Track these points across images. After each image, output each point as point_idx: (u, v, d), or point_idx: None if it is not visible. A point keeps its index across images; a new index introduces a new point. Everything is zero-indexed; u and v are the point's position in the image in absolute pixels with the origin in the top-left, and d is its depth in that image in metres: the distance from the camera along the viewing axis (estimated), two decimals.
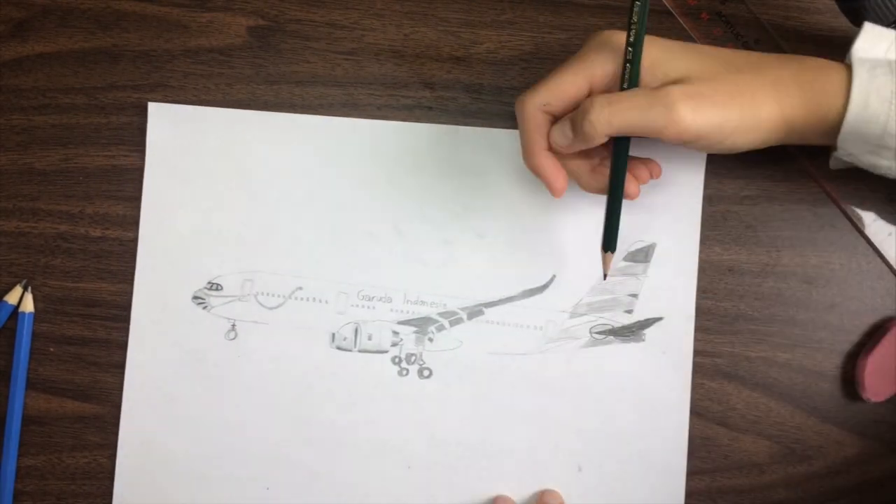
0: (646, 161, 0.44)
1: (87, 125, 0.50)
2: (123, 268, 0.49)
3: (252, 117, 0.49)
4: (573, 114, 0.41)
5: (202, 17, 0.50)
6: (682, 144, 0.40)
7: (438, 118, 0.49)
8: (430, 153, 0.49)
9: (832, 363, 0.48)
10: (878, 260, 0.48)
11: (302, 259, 0.49)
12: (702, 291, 0.48)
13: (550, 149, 0.42)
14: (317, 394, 0.48)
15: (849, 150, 0.41)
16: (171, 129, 0.49)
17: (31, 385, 0.49)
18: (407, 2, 0.49)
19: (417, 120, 0.49)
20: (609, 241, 0.43)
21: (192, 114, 0.49)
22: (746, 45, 0.48)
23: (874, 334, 0.47)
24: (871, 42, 0.41)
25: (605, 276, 0.44)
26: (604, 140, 0.40)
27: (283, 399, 0.48)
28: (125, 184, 0.49)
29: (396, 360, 0.48)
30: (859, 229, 0.48)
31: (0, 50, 0.50)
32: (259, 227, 0.49)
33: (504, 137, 0.48)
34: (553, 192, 0.42)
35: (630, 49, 0.40)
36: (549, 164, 0.42)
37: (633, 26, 0.39)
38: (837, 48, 0.48)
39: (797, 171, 0.48)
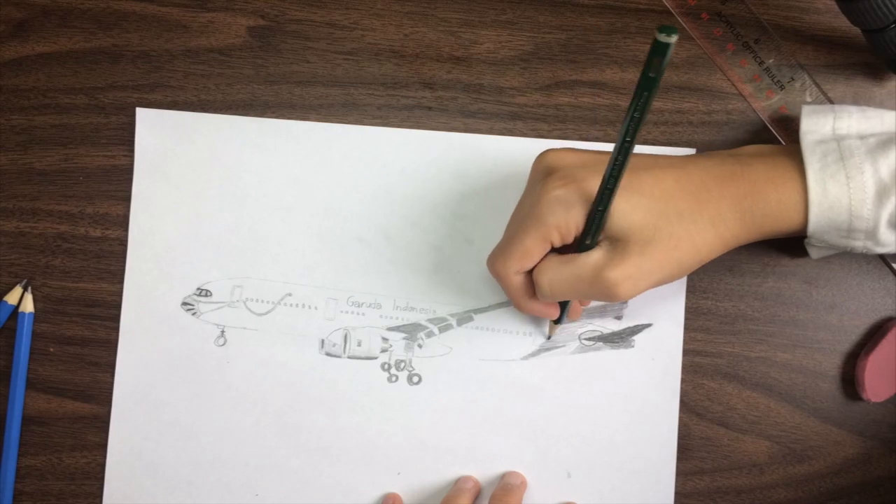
0: None
1: (87, 125, 0.50)
2: (123, 268, 0.49)
3: (241, 123, 0.49)
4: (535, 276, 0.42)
5: (202, 17, 0.50)
6: None
7: (438, 118, 0.49)
8: (419, 159, 0.49)
9: (832, 363, 0.48)
10: (878, 260, 0.48)
11: (291, 265, 0.49)
12: (702, 291, 0.48)
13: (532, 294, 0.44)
14: (306, 400, 0.48)
15: (823, 239, 0.41)
16: (160, 134, 0.49)
17: (31, 385, 0.49)
18: (407, 2, 0.49)
19: (417, 120, 0.49)
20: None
21: (180, 119, 0.49)
22: (746, 46, 0.48)
23: (874, 335, 0.47)
24: (815, 122, 0.41)
25: (548, 337, 0.48)
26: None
27: (272, 405, 0.48)
28: (125, 184, 0.49)
29: (386, 366, 0.48)
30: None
31: (0, 50, 0.50)
32: (248, 234, 0.49)
33: (493, 144, 0.48)
34: (551, 318, 0.46)
35: (598, 209, 0.39)
36: (537, 307, 0.44)
37: (604, 196, 0.38)
38: (837, 48, 0.48)
39: None
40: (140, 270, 0.49)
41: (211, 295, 0.49)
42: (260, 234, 0.49)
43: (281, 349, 0.49)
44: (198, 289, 0.49)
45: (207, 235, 0.49)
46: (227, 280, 0.49)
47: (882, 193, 0.39)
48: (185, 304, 0.49)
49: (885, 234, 0.40)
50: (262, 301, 0.49)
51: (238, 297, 0.49)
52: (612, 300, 0.40)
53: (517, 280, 0.43)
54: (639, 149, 0.48)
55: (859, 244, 0.41)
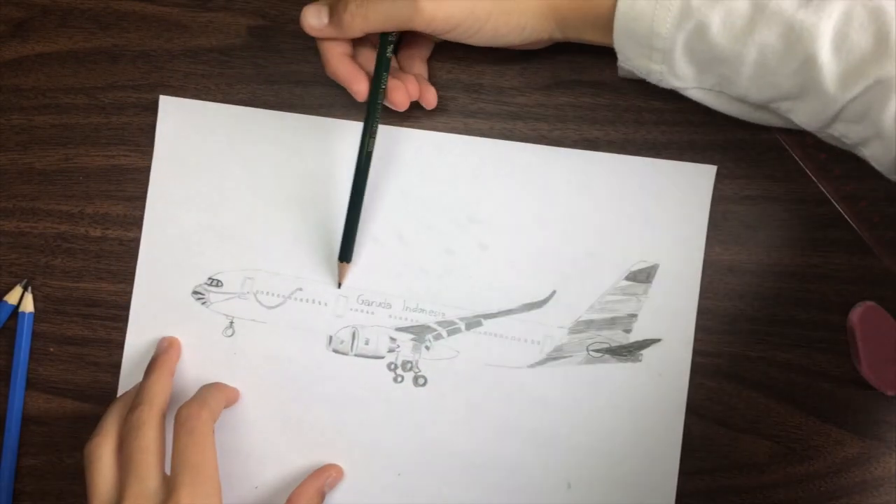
0: (418, 79, 0.46)
1: (87, 125, 0.50)
2: (124, 267, 0.49)
3: (261, 116, 0.49)
4: (333, 0, 0.42)
5: (202, 17, 0.50)
6: (442, 35, 0.42)
7: (438, 118, 0.49)
8: (436, 162, 0.49)
9: (832, 363, 0.48)
10: (878, 260, 0.48)
11: (303, 260, 0.49)
12: (702, 291, 0.48)
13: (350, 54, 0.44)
14: (310, 395, 0.48)
15: (625, 53, 0.41)
16: (181, 123, 0.49)
17: (31, 385, 0.49)
18: None
19: (417, 120, 0.49)
20: (345, 252, 0.46)
21: (201, 109, 0.49)
22: None
23: (850, 339, 0.47)
24: None
25: (339, 284, 0.48)
26: (360, 34, 0.43)
27: (276, 399, 0.48)
28: (125, 183, 0.49)
29: (392, 366, 0.48)
30: (859, 229, 0.48)
31: (0, 50, 0.50)
32: (263, 226, 0.49)
33: (511, 149, 0.48)
34: (355, 95, 0.45)
35: None
36: (345, 69, 0.44)
37: None
38: None
39: (797, 171, 0.48)
40: (153, 257, 0.49)
41: (222, 285, 0.49)
42: (274, 228, 0.49)
43: (288, 343, 0.49)
44: (209, 278, 0.49)
45: (222, 225, 0.49)
46: (239, 271, 0.49)
47: (685, 15, 0.38)
48: (195, 293, 0.49)
49: (680, 61, 0.40)
50: (273, 294, 0.49)
51: (249, 288, 0.49)
52: (417, 15, 0.40)
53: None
54: (650, 162, 0.48)
55: (657, 67, 0.40)
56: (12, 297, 0.49)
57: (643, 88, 0.48)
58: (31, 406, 0.49)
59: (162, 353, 0.47)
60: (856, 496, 0.47)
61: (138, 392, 0.44)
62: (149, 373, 0.46)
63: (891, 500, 0.47)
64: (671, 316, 0.48)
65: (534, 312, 0.48)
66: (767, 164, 0.48)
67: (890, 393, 0.47)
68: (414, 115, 0.49)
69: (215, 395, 0.45)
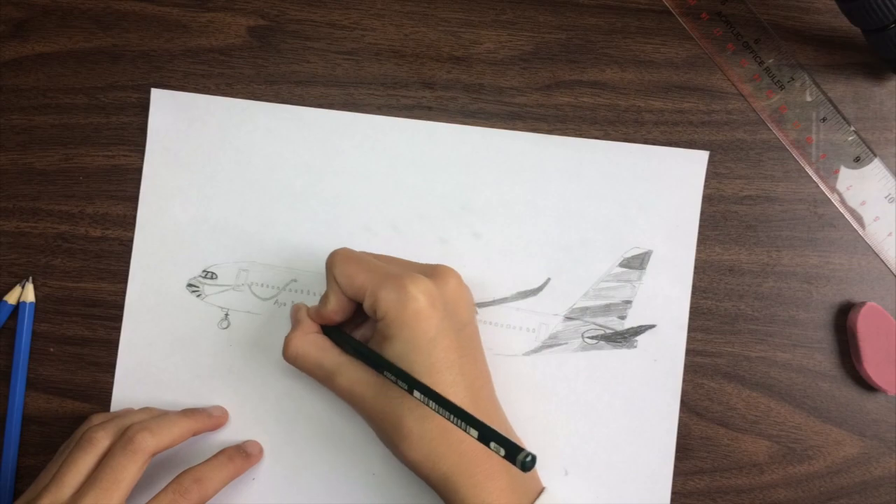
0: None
1: (87, 125, 0.50)
2: (123, 268, 0.49)
3: (254, 107, 0.49)
4: None
5: (202, 17, 0.50)
6: None
7: (438, 118, 0.49)
8: (429, 151, 0.49)
9: (832, 363, 0.48)
10: (878, 260, 0.48)
11: (297, 251, 0.49)
12: (702, 291, 0.48)
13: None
14: (306, 386, 0.48)
15: None
16: (173, 115, 0.49)
17: (31, 385, 0.49)
18: (407, 2, 0.49)
19: (416, 118, 0.49)
20: None
21: (194, 101, 0.49)
22: (746, 46, 0.48)
23: (849, 335, 0.47)
24: None
25: None
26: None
27: (272, 390, 0.48)
28: (125, 184, 0.49)
29: None
30: (859, 229, 0.48)
31: (0, 50, 0.50)
32: (256, 218, 0.49)
33: (504, 138, 0.48)
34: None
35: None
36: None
37: None
38: (837, 48, 0.48)
39: (797, 170, 0.48)
40: (147, 251, 0.49)
41: (216, 277, 0.49)
42: (268, 219, 0.49)
43: (284, 334, 0.48)
44: (203, 271, 0.49)
45: (215, 218, 0.49)
46: (233, 263, 0.49)
47: None
48: (190, 285, 0.49)
49: None
50: (267, 286, 0.49)
51: (243, 280, 0.49)
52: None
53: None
54: (642, 149, 0.48)
55: None
56: (12, 298, 0.49)
57: (643, 88, 0.48)
58: (31, 406, 0.49)
59: (206, 415, 0.47)
60: (856, 496, 0.47)
61: (162, 416, 0.45)
62: (182, 412, 0.46)
63: (891, 500, 0.47)
64: (665, 301, 0.48)
65: (528, 300, 0.48)
66: (767, 164, 0.48)
67: (890, 393, 0.47)
68: (414, 116, 0.49)
69: (172, 427, 0.45)
